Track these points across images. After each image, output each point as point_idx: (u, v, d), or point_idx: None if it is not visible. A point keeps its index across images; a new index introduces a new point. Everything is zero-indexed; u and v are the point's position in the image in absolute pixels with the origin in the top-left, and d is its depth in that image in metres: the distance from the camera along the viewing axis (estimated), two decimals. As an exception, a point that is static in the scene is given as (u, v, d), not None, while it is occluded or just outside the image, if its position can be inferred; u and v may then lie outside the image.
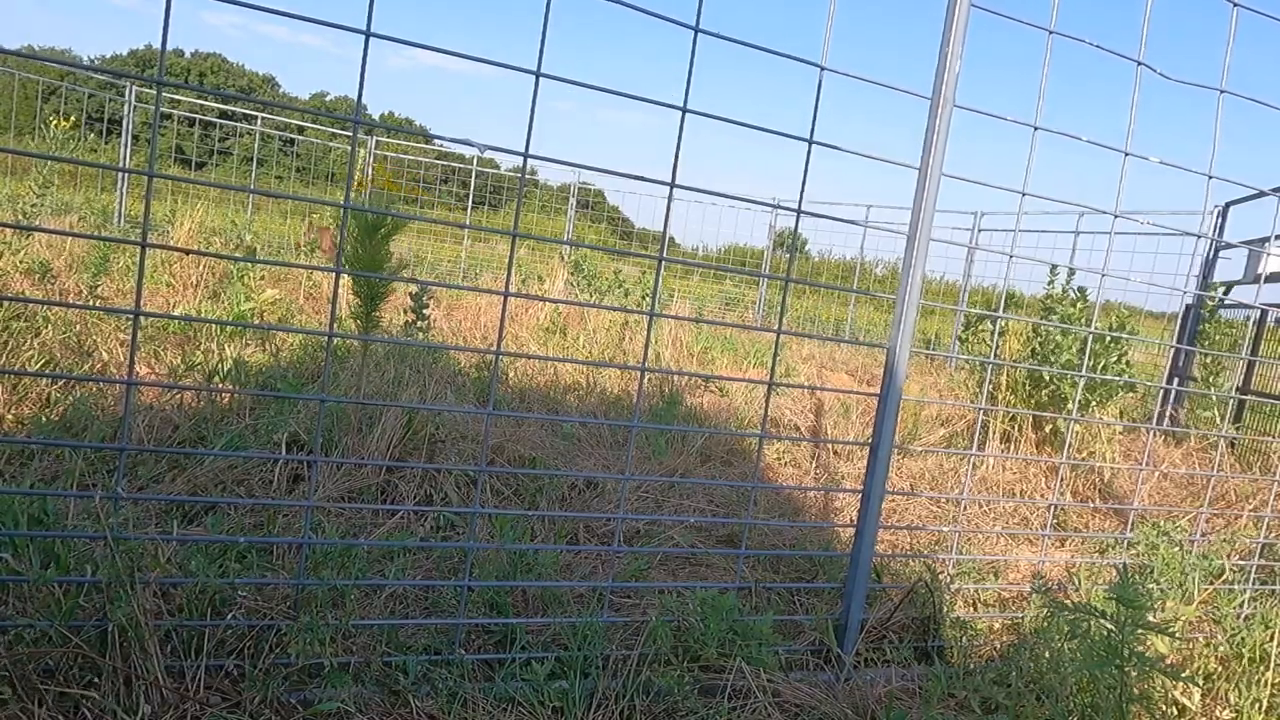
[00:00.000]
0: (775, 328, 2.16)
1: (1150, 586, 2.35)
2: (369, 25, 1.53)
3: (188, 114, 14.66)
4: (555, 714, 1.65)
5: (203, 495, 2.39)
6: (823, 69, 1.87)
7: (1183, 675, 1.67)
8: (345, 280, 5.47)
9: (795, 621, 2.22)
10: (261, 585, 1.84)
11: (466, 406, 3.60)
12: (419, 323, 3.21)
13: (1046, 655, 1.96)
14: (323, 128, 15.18)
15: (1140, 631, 1.62)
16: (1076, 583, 2.64)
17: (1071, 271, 4.76)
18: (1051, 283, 4.79)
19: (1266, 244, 4.69)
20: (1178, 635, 2.12)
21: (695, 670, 1.84)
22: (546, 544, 2.48)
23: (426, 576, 2.18)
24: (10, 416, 2.66)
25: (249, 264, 5.17)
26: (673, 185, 1.78)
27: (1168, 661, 2.05)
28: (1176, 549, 2.48)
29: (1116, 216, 2.30)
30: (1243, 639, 2.23)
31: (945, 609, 2.28)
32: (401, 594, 2.04)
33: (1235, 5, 2.26)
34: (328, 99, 42.65)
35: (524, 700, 1.65)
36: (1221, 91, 2.33)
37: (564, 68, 1.69)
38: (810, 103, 1.89)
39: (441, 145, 22.27)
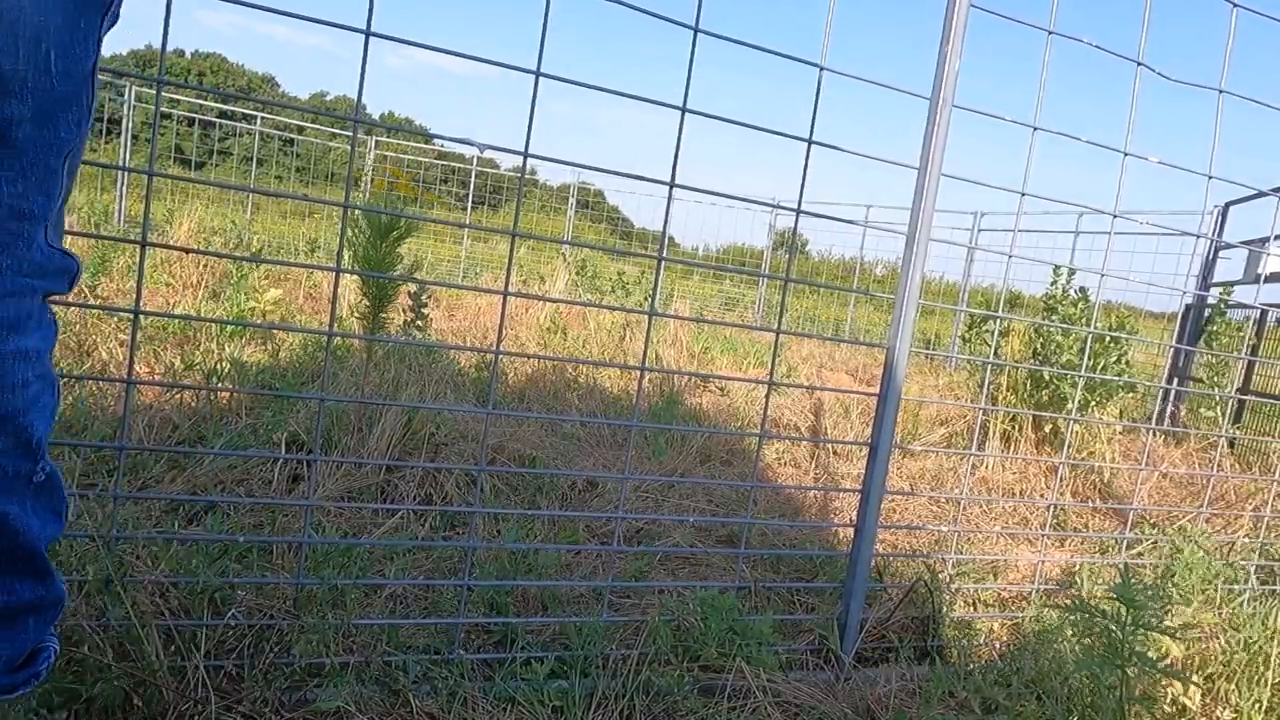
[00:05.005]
0: (775, 327, 2.16)
1: (1169, 590, 2.35)
2: (369, 24, 1.53)
3: (187, 114, 14.64)
4: (555, 713, 1.65)
5: (202, 495, 2.39)
6: (822, 69, 1.87)
7: (1184, 675, 1.67)
8: (354, 281, 5.45)
9: (795, 621, 2.22)
10: (261, 585, 1.84)
11: (466, 406, 3.60)
12: (418, 322, 3.20)
13: (1048, 655, 1.96)
14: (323, 128, 15.16)
15: (1152, 635, 1.62)
16: (1079, 582, 2.64)
17: (1072, 272, 4.76)
18: (1055, 283, 4.79)
19: (1266, 244, 4.69)
20: (1187, 639, 2.12)
21: (695, 670, 1.84)
22: (546, 544, 2.48)
23: (426, 576, 2.18)
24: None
25: (251, 265, 5.16)
26: (672, 185, 1.78)
27: (1167, 661, 2.05)
28: (1202, 554, 2.47)
29: (1116, 216, 2.30)
30: (1244, 639, 2.22)
31: (945, 609, 2.28)
32: (401, 593, 2.04)
33: (1235, 6, 2.26)
34: (328, 99, 42.65)
35: (524, 699, 1.65)
36: (1221, 91, 2.33)
37: (564, 67, 1.69)
38: (810, 102, 1.89)
39: (441, 145, 22.26)
